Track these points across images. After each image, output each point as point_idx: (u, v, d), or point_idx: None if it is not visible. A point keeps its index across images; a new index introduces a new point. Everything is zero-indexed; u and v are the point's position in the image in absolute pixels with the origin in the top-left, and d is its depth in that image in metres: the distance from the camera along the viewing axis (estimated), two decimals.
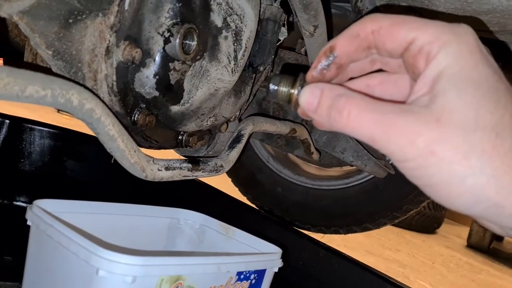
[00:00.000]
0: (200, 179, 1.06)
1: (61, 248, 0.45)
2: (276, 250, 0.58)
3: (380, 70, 0.33)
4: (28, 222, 0.51)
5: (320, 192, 1.31)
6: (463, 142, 0.26)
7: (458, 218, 3.60)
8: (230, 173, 1.43)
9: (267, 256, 0.55)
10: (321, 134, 1.06)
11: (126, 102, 0.51)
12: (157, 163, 0.53)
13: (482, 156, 0.26)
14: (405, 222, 2.59)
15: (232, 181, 1.42)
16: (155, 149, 0.61)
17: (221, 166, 0.65)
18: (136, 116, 0.52)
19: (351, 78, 0.34)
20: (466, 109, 0.26)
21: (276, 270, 0.56)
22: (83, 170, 1.11)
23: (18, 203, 1.03)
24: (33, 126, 1.08)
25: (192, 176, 0.59)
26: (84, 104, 0.42)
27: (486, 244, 2.62)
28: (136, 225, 0.62)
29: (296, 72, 0.33)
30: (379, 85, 0.33)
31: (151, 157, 0.52)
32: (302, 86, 0.31)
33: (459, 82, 0.26)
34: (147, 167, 0.51)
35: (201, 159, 0.62)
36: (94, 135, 1.25)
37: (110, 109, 0.47)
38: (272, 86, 0.33)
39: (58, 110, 3.14)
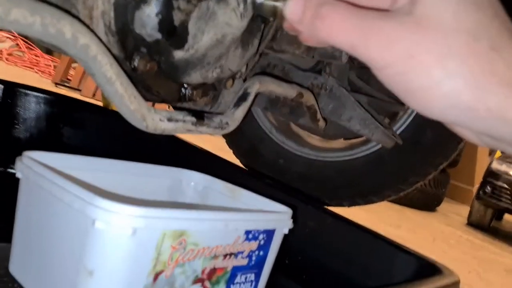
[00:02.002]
0: (202, 146, 1.02)
1: (54, 199, 0.41)
2: (286, 210, 0.54)
3: None
4: (17, 174, 0.47)
5: (324, 164, 1.28)
6: (441, 45, 0.26)
7: (458, 197, 3.59)
8: (231, 144, 1.40)
9: (277, 215, 0.52)
10: (327, 102, 1.02)
11: (125, 45, 0.46)
12: (159, 113, 0.49)
13: (459, 58, 0.26)
14: (406, 199, 2.57)
15: (234, 152, 1.39)
16: (156, 101, 0.57)
17: (227, 123, 0.61)
18: (136, 61, 0.48)
19: None
20: (446, 14, 0.26)
21: (286, 231, 0.53)
22: (80, 138, 1.07)
23: (13, 170, 0.99)
24: (28, 92, 1.04)
25: (196, 131, 0.55)
26: (78, 38, 0.38)
27: (486, 223, 2.61)
28: (134, 184, 0.58)
29: None
30: None
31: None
32: None
33: None
34: (148, 116, 0.47)
35: (205, 114, 0.58)
36: (92, 102, 1.21)
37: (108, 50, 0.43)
38: (257, 1, 0.32)
39: (56, 84, 3.08)
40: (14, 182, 0.51)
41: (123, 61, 0.47)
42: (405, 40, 0.26)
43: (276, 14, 0.32)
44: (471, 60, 0.26)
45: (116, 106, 0.44)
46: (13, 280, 0.48)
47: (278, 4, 0.32)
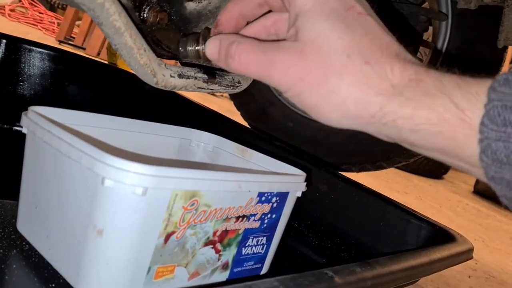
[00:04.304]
0: (210, 107, 1.00)
1: (61, 156, 0.39)
2: (300, 173, 0.52)
3: None
4: (24, 130, 0.45)
5: (334, 128, 1.25)
6: (322, 66, 0.30)
7: None
8: (239, 107, 1.37)
9: (291, 178, 0.50)
10: None
11: None
12: (170, 69, 0.46)
13: (338, 76, 0.30)
14: (413, 167, 2.55)
15: (242, 115, 1.37)
16: (166, 58, 0.54)
17: (239, 82, 0.59)
18: (146, 11, 0.45)
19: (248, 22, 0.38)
20: (321, 39, 0.30)
21: (299, 194, 0.51)
22: (85, 96, 1.05)
23: (18, 128, 0.97)
24: (32, 47, 1.01)
25: (207, 88, 0.53)
26: None
27: (493, 191, 2.58)
28: (143, 143, 0.56)
29: None
30: (273, 24, 0.36)
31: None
32: (205, 41, 0.35)
33: (313, 16, 0.31)
34: (159, 71, 0.44)
35: (217, 72, 0.55)
36: (98, 59, 1.18)
37: None
38: (181, 49, 0.37)
39: (60, 42, 3.03)
40: (19, 139, 0.49)
41: (132, 11, 0.44)
42: (295, 66, 0.31)
43: (201, 57, 0.36)
44: (348, 76, 0.30)
45: (124, 59, 0.42)
46: (20, 238, 0.47)
47: (199, 48, 0.37)
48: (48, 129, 0.41)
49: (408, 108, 0.29)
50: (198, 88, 0.51)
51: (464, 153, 0.28)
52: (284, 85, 0.32)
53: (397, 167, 2.42)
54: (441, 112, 0.28)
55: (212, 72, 0.54)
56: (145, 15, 0.45)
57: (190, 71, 0.49)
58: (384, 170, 1.32)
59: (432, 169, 2.65)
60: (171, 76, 0.46)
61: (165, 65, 0.46)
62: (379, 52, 0.30)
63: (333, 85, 0.30)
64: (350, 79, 0.30)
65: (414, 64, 0.30)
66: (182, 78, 0.48)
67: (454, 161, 0.30)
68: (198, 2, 0.48)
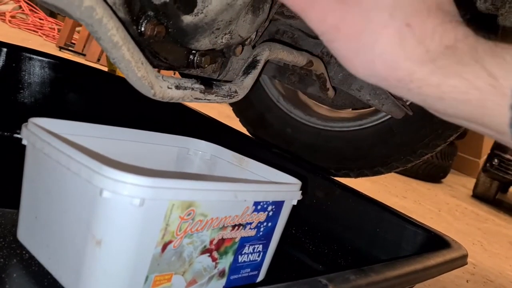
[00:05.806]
0: (209, 113, 1.01)
1: (61, 168, 0.40)
2: (295, 181, 0.53)
3: None
4: (24, 141, 0.46)
5: (332, 134, 1.26)
6: (360, 21, 0.29)
7: (464, 169, 3.59)
8: (238, 113, 1.38)
9: (286, 186, 0.51)
10: (337, 71, 0.99)
11: (132, 7, 0.44)
12: (167, 80, 0.47)
13: (374, 34, 0.29)
14: (411, 171, 2.56)
15: (240, 121, 1.38)
16: (164, 69, 0.55)
17: (235, 92, 0.60)
18: (144, 25, 0.46)
19: None
20: None
21: (295, 203, 0.52)
22: (85, 103, 1.06)
23: (18, 136, 0.98)
24: (32, 56, 1.02)
25: (204, 99, 0.54)
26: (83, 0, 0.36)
27: (492, 195, 2.61)
28: (141, 152, 0.57)
29: None
30: None
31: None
32: None
33: None
34: (156, 83, 0.45)
35: (214, 82, 0.56)
36: (97, 67, 1.19)
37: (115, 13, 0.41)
38: None
39: (60, 48, 3.04)
40: (20, 147, 0.50)
41: (130, 25, 0.45)
42: (333, 12, 0.30)
43: None
44: (384, 36, 0.29)
45: (122, 72, 0.43)
46: (21, 247, 0.48)
47: None
48: (48, 141, 0.42)
49: (436, 76, 0.28)
50: (195, 98, 0.52)
51: (492, 120, 0.28)
52: (319, 29, 0.31)
53: (396, 171, 2.43)
54: (471, 80, 0.27)
55: (209, 82, 0.55)
56: (142, 29, 0.46)
57: (187, 82, 0.50)
58: (383, 175, 1.33)
59: (431, 173, 2.66)
60: (168, 87, 0.47)
61: (162, 77, 0.47)
62: (425, 13, 0.28)
63: (366, 42, 0.29)
64: (385, 40, 0.29)
65: (455, 28, 0.28)
66: (179, 89, 0.49)
67: (479, 127, 0.29)
68: (195, 16, 0.49)
